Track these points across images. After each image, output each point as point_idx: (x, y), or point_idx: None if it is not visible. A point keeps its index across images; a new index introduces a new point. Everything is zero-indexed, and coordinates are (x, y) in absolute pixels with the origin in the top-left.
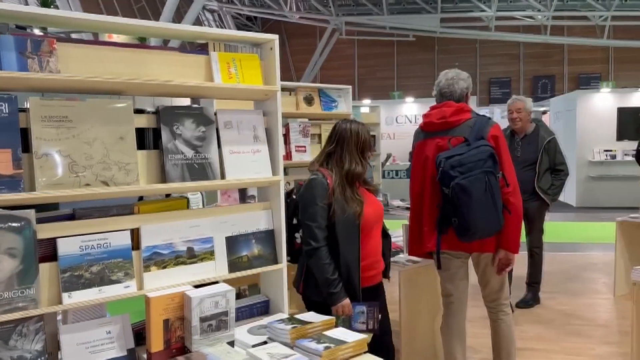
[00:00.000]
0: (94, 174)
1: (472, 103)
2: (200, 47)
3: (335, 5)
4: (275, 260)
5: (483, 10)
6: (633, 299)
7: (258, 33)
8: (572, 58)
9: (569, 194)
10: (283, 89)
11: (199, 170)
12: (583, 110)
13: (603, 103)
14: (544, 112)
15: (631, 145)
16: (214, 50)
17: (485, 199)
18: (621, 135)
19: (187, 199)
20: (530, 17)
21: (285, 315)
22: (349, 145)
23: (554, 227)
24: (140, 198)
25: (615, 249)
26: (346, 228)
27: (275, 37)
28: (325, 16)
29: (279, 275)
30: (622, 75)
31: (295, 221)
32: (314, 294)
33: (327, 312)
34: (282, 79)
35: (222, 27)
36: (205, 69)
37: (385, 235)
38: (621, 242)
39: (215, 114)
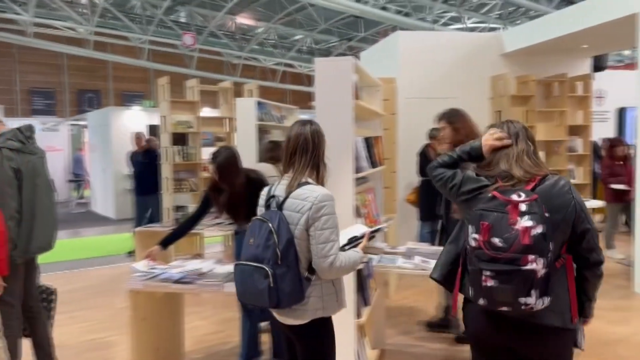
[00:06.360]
0: None
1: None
2: None
3: None
4: None
5: (18, 14)
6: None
7: None
8: (117, 75)
9: (108, 207)
10: None
11: None
12: (118, 125)
13: (136, 120)
14: (85, 127)
15: None
16: None
17: None
18: None
19: None
20: (72, 29)
21: None
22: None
23: (93, 242)
24: None
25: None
26: None
27: None
28: None
29: None
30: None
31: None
32: None
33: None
34: None
35: None
36: None
37: None
38: (139, 248)
39: None
